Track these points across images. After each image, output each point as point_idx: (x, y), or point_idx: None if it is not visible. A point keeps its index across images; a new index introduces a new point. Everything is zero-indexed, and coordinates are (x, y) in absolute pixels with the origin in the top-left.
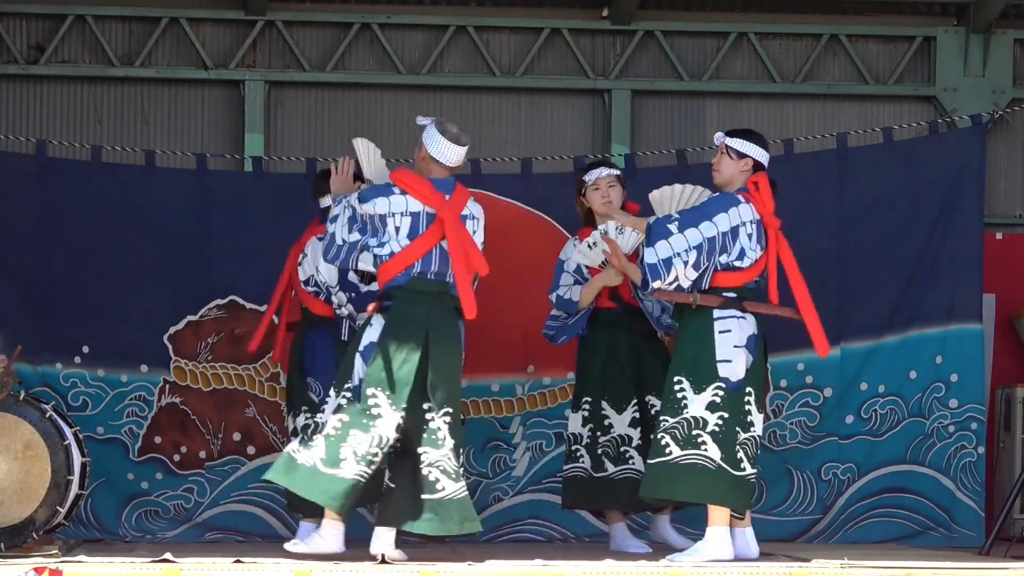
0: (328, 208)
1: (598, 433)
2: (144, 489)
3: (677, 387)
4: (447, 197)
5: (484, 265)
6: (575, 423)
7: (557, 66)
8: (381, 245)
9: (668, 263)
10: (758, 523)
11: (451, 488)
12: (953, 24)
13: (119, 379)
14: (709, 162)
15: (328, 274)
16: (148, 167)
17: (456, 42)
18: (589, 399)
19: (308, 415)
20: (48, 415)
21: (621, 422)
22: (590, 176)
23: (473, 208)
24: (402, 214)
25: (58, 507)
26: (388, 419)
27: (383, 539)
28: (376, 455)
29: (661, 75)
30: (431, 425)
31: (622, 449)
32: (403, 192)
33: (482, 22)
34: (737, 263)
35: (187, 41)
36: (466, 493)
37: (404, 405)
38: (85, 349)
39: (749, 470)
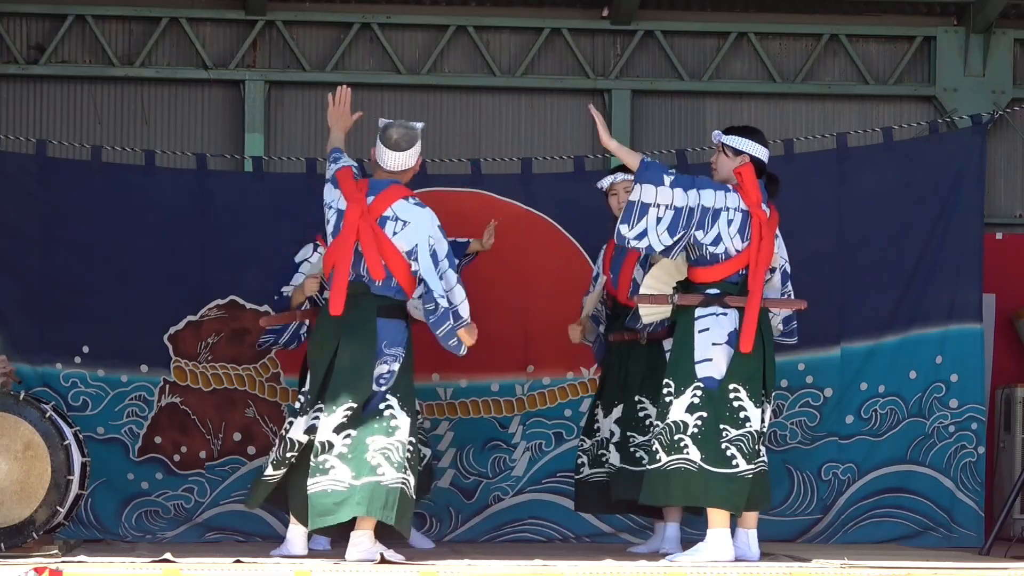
0: None
1: (584, 436)
2: (144, 489)
3: (665, 391)
4: (370, 199)
5: (378, 271)
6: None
7: (557, 66)
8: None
9: (644, 210)
10: (758, 523)
11: (310, 483)
12: (953, 24)
13: (119, 379)
14: (709, 162)
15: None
16: (148, 167)
17: (456, 42)
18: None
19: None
20: (48, 415)
21: (606, 423)
22: (603, 183)
23: (402, 211)
24: (333, 209)
25: (58, 507)
26: (300, 423)
27: (355, 543)
28: (285, 458)
29: (661, 75)
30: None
31: (599, 452)
32: (338, 187)
33: (482, 22)
34: (712, 248)
35: (187, 41)
36: (324, 488)
37: (317, 406)
38: (85, 349)
39: (743, 467)
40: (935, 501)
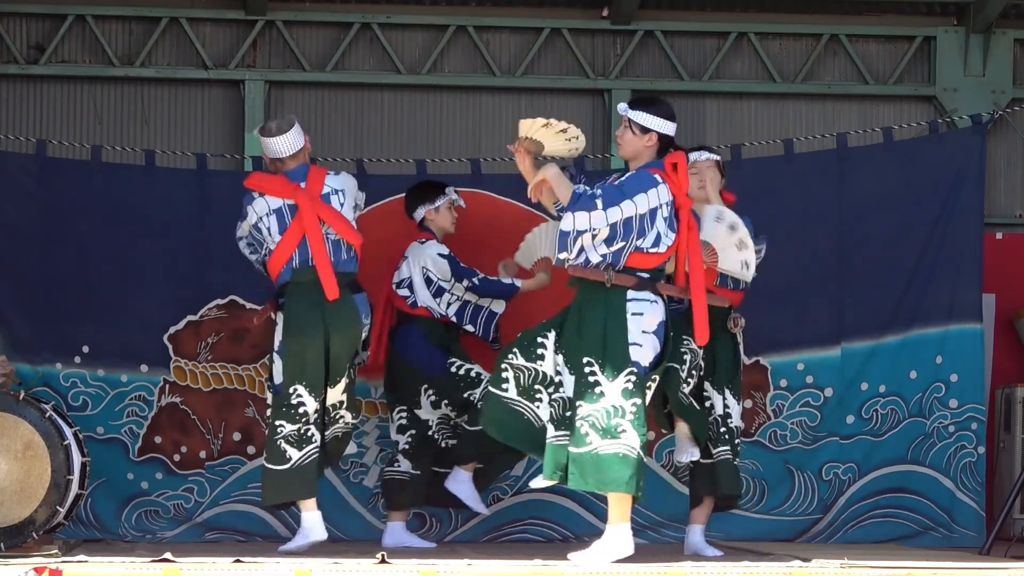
0: (423, 220)
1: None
2: (144, 489)
3: (588, 370)
4: (302, 184)
5: (354, 236)
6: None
7: (557, 66)
8: (266, 250)
9: (580, 235)
10: (759, 523)
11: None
12: (953, 24)
13: (119, 379)
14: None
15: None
16: (148, 167)
17: (456, 42)
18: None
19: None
20: (48, 415)
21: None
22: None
23: (335, 182)
24: (267, 214)
25: (58, 507)
26: (312, 406)
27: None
28: (308, 437)
29: (661, 75)
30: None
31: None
32: (261, 194)
33: (482, 22)
34: (652, 249)
35: (187, 41)
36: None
37: (321, 390)
38: (85, 349)
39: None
40: (935, 501)
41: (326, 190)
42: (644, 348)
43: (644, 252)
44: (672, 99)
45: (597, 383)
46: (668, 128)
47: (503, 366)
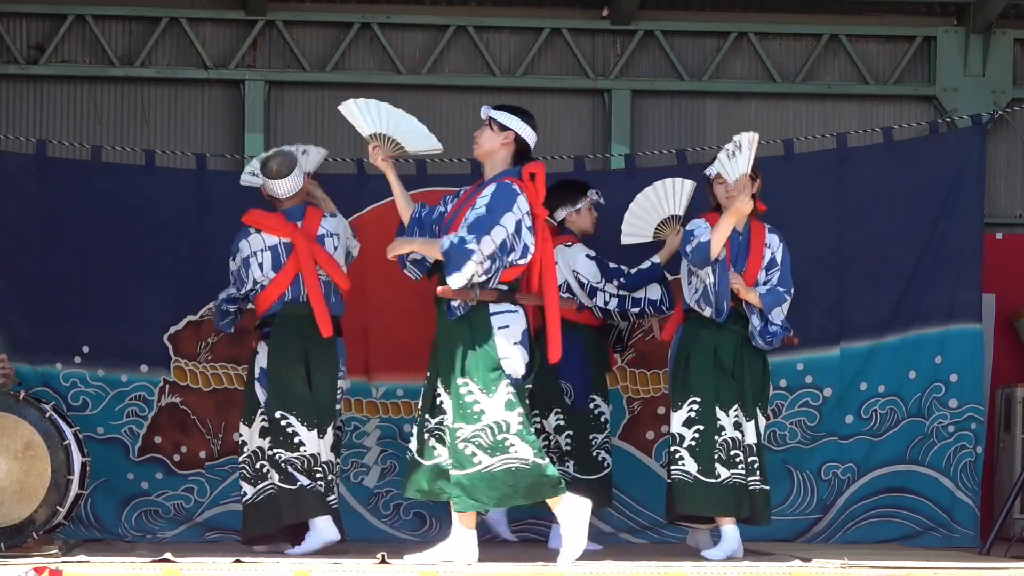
0: (563, 222)
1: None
2: (144, 489)
3: (464, 391)
4: (299, 224)
5: (344, 280)
6: (675, 423)
7: (557, 66)
8: (255, 286)
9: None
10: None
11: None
12: (953, 24)
13: (119, 379)
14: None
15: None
16: (148, 167)
17: (456, 42)
18: (697, 399)
19: (561, 416)
20: (48, 415)
21: (728, 424)
22: (711, 170)
23: (331, 225)
24: (262, 250)
25: (58, 507)
26: (308, 438)
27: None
28: (318, 469)
29: (661, 75)
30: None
31: (732, 452)
32: (257, 231)
33: (482, 22)
34: (521, 261)
35: (187, 41)
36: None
37: (315, 420)
38: (85, 349)
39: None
40: (935, 501)
41: (321, 231)
42: (514, 360)
43: (513, 265)
44: (672, 99)
45: (475, 402)
46: (527, 132)
47: (425, 435)
